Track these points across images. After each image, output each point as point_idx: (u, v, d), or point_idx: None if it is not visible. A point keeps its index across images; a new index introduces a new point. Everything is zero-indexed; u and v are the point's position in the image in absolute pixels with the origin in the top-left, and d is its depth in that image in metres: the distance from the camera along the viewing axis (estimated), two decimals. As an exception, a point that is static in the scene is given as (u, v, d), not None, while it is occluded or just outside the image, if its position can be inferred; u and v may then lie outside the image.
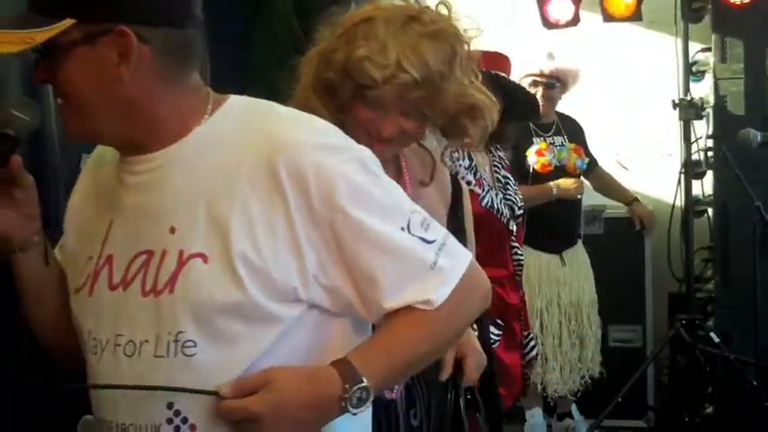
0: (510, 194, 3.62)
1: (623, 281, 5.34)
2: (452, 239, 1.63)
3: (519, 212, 3.65)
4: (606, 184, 5.35)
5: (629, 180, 5.50)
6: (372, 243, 1.54)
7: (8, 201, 1.62)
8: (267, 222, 1.51)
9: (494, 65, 3.71)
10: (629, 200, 5.33)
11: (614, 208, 5.47)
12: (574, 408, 5.06)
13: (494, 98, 2.15)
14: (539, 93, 4.68)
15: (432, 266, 1.57)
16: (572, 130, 5.01)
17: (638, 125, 5.76)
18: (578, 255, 4.92)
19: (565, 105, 5.09)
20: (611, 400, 4.56)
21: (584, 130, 5.14)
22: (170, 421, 1.53)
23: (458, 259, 1.62)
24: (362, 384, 1.50)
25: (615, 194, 5.37)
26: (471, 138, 2.16)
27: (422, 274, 1.57)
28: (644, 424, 5.14)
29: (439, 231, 1.61)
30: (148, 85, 1.55)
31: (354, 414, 1.51)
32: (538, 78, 4.78)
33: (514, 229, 3.61)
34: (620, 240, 5.40)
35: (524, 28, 5.46)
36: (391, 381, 1.63)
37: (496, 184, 3.61)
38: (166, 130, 1.58)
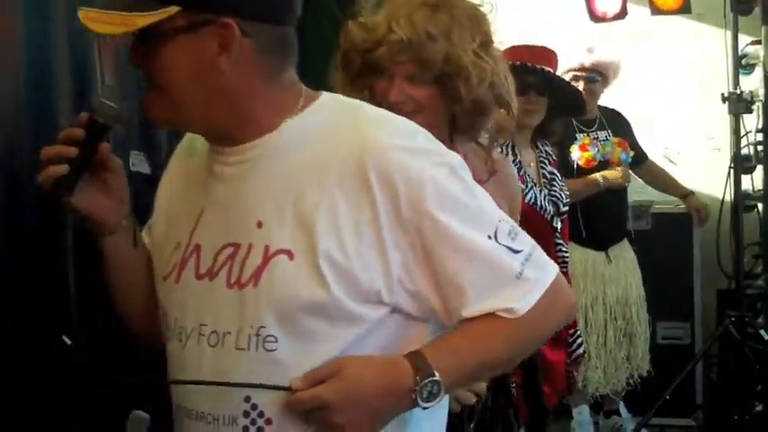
0: (555, 191, 3.60)
1: (672, 277, 5.27)
2: (539, 250, 1.62)
3: (564, 209, 3.62)
4: (658, 178, 5.29)
5: (678, 175, 5.43)
6: (459, 249, 1.53)
7: (99, 185, 1.66)
8: (354, 223, 1.51)
9: (540, 59, 3.69)
10: (684, 193, 5.26)
11: (662, 203, 5.41)
12: (621, 405, 5.02)
13: (506, 73, 2.16)
14: (580, 87, 4.64)
15: (517, 276, 1.56)
16: (617, 124, 4.96)
17: (686, 119, 5.71)
18: (624, 251, 4.86)
19: (612, 99, 5.04)
20: (660, 397, 4.52)
21: (631, 123, 5.08)
22: (246, 414, 1.55)
23: (544, 271, 1.60)
24: (434, 378, 1.50)
25: (668, 188, 5.31)
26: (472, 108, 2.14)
27: (507, 283, 1.56)
28: (692, 422, 5.08)
29: (526, 242, 1.60)
30: (245, 79, 1.56)
31: (425, 408, 1.51)
32: (578, 73, 4.74)
33: (559, 226, 3.58)
34: (668, 236, 5.34)
35: (570, 21, 5.43)
36: (462, 382, 1.61)
37: (542, 180, 3.60)
38: (257, 123, 1.59)
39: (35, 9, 2.94)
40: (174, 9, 1.50)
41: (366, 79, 2.12)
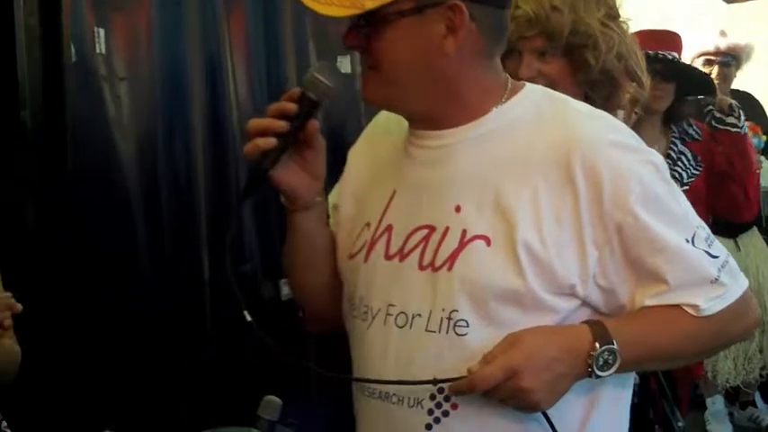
0: (678, 169, 3.58)
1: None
2: (732, 260, 1.60)
3: (683, 188, 3.57)
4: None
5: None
6: (659, 249, 1.52)
7: (298, 160, 1.64)
8: (555, 215, 1.51)
9: (665, 44, 3.65)
10: None
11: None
12: (757, 396, 4.89)
13: (636, 47, 2.17)
14: (713, 72, 4.54)
15: (713, 281, 1.54)
16: (749, 108, 4.83)
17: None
18: (754, 239, 4.73)
19: (745, 83, 4.91)
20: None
21: (765, 107, 4.96)
22: (433, 397, 1.55)
23: (737, 280, 1.59)
24: (612, 347, 1.49)
25: None
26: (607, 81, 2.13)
27: (702, 285, 1.54)
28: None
29: (721, 250, 1.58)
30: (465, 62, 1.55)
31: (599, 376, 1.50)
32: (712, 57, 4.64)
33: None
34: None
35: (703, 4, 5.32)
36: (636, 361, 1.56)
37: (666, 160, 3.56)
38: (467, 108, 1.59)
39: (168, 2, 3.05)
40: None
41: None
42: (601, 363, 1.49)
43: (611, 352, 1.49)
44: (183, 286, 3.12)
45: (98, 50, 2.82)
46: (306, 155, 1.64)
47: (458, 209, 1.56)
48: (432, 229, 1.58)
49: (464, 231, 1.55)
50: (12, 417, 2.03)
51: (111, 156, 2.88)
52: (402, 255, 1.61)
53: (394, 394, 1.58)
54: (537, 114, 1.58)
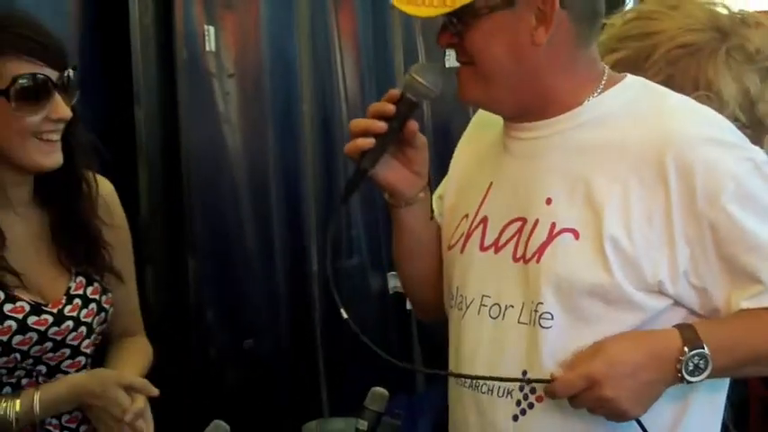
0: None
1: None
2: None
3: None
4: None
5: None
6: (753, 248, 1.48)
7: (401, 158, 1.67)
8: (645, 211, 1.49)
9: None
10: None
11: None
12: None
13: None
14: None
15: None
16: None
17: None
18: None
19: None
20: None
21: None
22: (521, 388, 1.57)
23: None
24: (702, 351, 1.46)
25: None
26: None
27: None
28: None
29: None
30: (557, 53, 1.55)
31: (690, 382, 1.47)
32: None
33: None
34: None
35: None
36: (729, 366, 1.51)
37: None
38: (560, 100, 1.58)
39: (278, 2, 3.09)
40: None
41: None
42: (691, 368, 1.46)
43: (702, 356, 1.45)
44: (291, 280, 3.16)
45: (208, 48, 2.87)
46: (407, 153, 1.67)
47: (548, 201, 1.56)
48: (524, 221, 1.59)
49: (553, 224, 1.55)
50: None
51: (220, 150, 2.93)
52: (497, 246, 1.62)
53: (484, 384, 1.60)
54: (633, 108, 1.56)
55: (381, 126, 1.61)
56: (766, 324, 1.49)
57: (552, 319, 1.53)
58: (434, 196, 1.80)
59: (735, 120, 1.80)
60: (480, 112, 1.78)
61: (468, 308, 1.65)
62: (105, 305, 1.97)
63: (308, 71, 3.23)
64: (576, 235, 1.52)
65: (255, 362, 3.03)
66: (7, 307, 1.81)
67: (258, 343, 3.04)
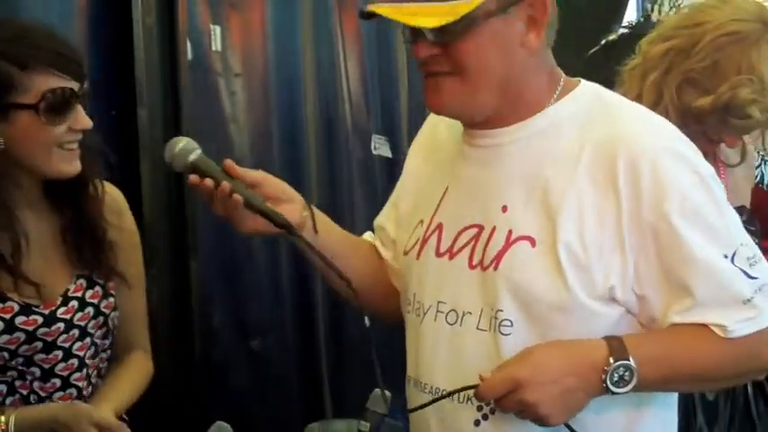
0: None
1: None
2: None
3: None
4: None
5: None
6: (690, 261, 1.49)
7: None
8: (598, 216, 1.50)
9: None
10: None
11: None
12: None
13: None
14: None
15: (745, 301, 1.50)
16: None
17: None
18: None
19: None
20: None
21: None
22: None
23: None
24: (628, 363, 1.46)
25: None
26: None
27: (732, 305, 1.50)
28: None
29: (764, 272, 1.53)
30: (535, 55, 1.56)
31: (614, 393, 1.47)
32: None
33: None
34: None
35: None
36: (656, 379, 1.52)
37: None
38: (524, 107, 1.58)
39: (283, 2, 3.08)
40: None
41: (718, 128, 2.10)
42: (616, 378, 1.46)
43: (627, 368, 1.46)
44: (295, 282, 3.15)
45: (214, 48, 2.87)
46: (263, 193, 1.63)
47: (504, 208, 1.56)
48: (481, 228, 1.59)
49: (510, 231, 1.55)
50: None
51: (226, 150, 2.92)
52: (452, 253, 1.62)
53: (444, 390, 1.60)
54: (588, 114, 1.56)
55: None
56: (692, 340, 1.50)
57: (512, 325, 1.54)
58: (375, 225, 1.81)
59: None
60: (432, 116, 1.76)
61: (425, 314, 1.64)
62: (105, 310, 1.97)
63: (311, 71, 3.23)
64: (533, 242, 1.53)
65: (258, 364, 3.02)
66: None
67: (261, 345, 3.03)
